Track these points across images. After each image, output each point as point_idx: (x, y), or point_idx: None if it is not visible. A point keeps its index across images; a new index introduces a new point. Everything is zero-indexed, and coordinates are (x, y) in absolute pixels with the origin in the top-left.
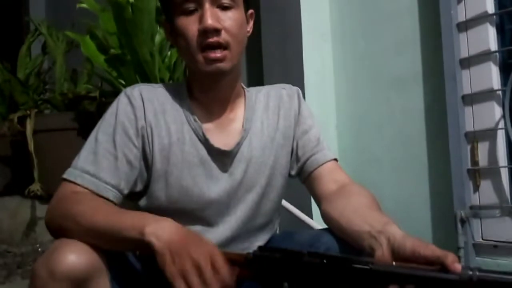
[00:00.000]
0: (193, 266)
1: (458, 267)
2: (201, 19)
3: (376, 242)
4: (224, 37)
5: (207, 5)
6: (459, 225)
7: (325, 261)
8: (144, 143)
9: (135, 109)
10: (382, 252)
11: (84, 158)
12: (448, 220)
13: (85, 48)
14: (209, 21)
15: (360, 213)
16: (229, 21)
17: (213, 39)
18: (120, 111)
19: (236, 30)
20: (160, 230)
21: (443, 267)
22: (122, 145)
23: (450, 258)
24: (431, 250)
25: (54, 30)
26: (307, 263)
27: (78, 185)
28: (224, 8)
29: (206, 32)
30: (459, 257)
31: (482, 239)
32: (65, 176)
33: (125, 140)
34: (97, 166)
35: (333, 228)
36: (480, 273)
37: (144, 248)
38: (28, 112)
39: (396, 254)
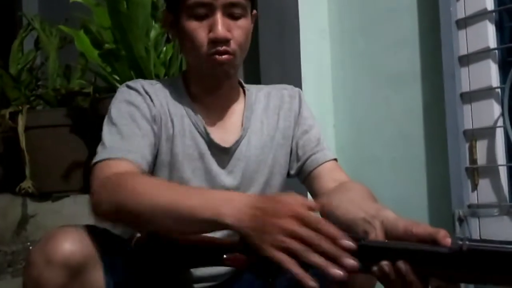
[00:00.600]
0: (285, 234)
1: (449, 241)
2: (212, 27)
3: (370, 226)
4: (232, 46)
5: (219, 14)
6: (457, 224)
7: None
8: (154, 133)
9: (145, 98)
10: (376, 235)
11: (110, 141)
12: (446, 218)
13: (79, 43)
14: (221, 31)
15: (356, 203)
16: (238, 31)
17: (222, 48)
18: (131, 100)
19: (244, 40)
20: (235, 210)
21: (435, 243)
22: (144, 127)
23: (441, 233)
24: (423, 228)
25: (47, 25)
26: None
27: (113, 159)
28: (234, 17)
29: (215, 41)
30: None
31: (480, 238)
32: (96, 159)
33: (145, 124)
34: (127, 142)
35: (330, 221)
36: (470, 243)
37: (221, 229)
38: (20, 108)
39: (389, 235)
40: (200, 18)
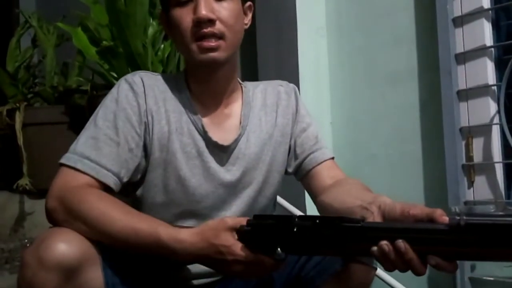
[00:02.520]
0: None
1: (446, 219)
2: (195, 9)
3: (367, 211)
4: (219, 27)
5: None
6: None
7: (317, 221)
8: (145, 131)
9: (137, 96)
10: (373, 219)
11: (83, 143)
12: None
13: (77, 40)
14: (203, 11)
15: (352, 194)
16: (224, 12)
17: (207, 30)
18: (121, 97)
19: (232, 21)
20: (176, 233)
21: (433, 222)
22: (125, 132)
23: (438, 212)
24: (419, 208)
25: (44, 23)
26: (299, 225)
27: (78, 170)
28: None
29: (200, 22)
30: None
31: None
32: (63, 161)
33: (128, 127)
34: (98, 152)
35: (328, 213)
36: (468, 218)
37: (164, 254)
38: (17, 105)
39: (387, 218)
40: (184, 3)
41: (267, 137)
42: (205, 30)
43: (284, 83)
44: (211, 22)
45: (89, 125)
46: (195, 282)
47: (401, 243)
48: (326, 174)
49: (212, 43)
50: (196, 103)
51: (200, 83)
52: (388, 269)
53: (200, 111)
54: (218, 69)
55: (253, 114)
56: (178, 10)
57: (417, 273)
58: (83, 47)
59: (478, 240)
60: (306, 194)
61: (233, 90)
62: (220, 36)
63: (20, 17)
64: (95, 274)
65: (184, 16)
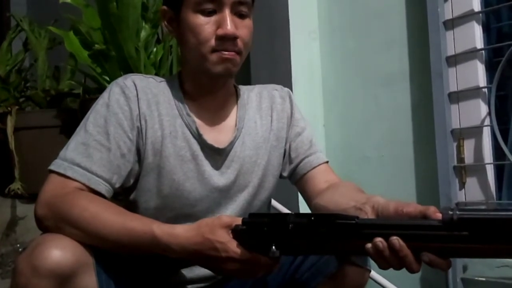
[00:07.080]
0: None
1: (439, 216)
2: (221, 23)
3: (361, 212)
4: (239, 45)
5: (227, 11)
6: None
7: (312, 218)
8: (137, 136)
9: (129, 100)
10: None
11: (74, 150)
12: None
13: (69, 44)
14: (231, 28)
15: (346, 196)
16: (244, 30)
17: (229, 46)
18: (112, 102)
19: (248, 39)
20: (171, 229)
21: (427, 219)
22: (117, 137)
23: (431, 209)
24: (413, 206)
25: (36, 26)
26: (295, 223)
27: (69, 178)
28: (241, 15)
29: (224, 38)
30: None
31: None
32: (53, 167)
33: (119, 133)
34: (89, 159)
35: None
36: (461, 212)
37: (159, 250)
38: (9, 109)
39: (381, 217)
40: (207, 13)
41: (262, 141)
42: (228, 46)
43: (279, 87)
44: (234, 39)
45: (80, 131)
46: (189, 287)
47: (395, 240)
48: (320, 178)
49: (232, 54)
50: (191, 106)
51: (201, 90)
52: (383, 267)
53: (194, 114)
54: (225, 80)
55: (248, 117)
56: (200, 18)
57: (412, 270)
58: (75, 50)
59: (471, 235)
60: (299, 196)
61: (228, 94)
62: (237, 52)
63: (12, 21)
64: (89, 279)
65: (207, 26)
